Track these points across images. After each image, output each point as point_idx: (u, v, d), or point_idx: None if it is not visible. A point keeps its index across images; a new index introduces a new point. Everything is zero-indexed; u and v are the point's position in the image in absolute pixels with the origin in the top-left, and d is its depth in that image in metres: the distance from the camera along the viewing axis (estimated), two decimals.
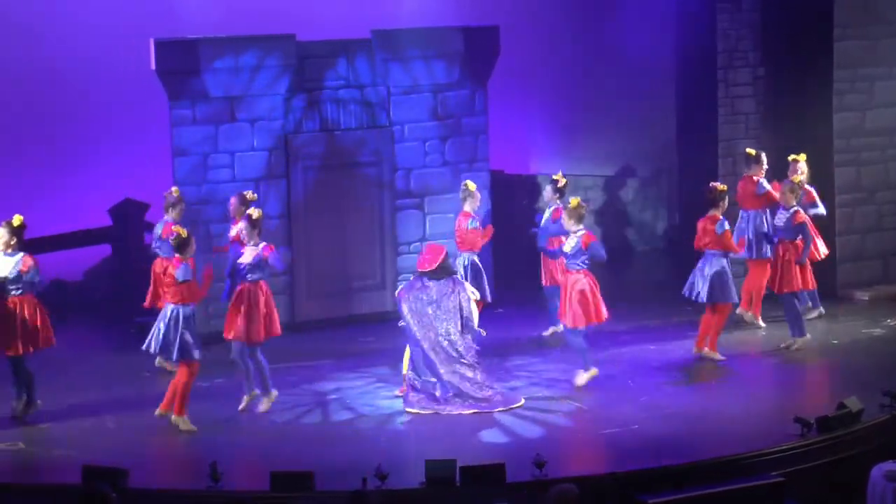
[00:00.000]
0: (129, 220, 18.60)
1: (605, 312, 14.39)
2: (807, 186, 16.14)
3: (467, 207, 15.77)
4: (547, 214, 16.11)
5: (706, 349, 15.19)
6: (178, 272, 13.31)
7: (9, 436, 13.27)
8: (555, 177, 16.20)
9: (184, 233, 13.53)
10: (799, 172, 16.07)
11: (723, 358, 15.16)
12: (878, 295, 17.68)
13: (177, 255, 13.42)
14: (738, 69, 17.95)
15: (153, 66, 16.06)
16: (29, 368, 13.66)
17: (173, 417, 13.48)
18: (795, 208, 15.36)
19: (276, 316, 13.89)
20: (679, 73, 18.79)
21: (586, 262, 14.29)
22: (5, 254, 13.52)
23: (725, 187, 15.40)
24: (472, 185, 15.89)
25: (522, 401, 13.88)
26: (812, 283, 15.59)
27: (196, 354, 13.38)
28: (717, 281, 15.02)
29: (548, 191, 16.17)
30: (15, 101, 17.55)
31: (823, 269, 17.13)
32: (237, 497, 11.42)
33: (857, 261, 17.92)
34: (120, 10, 17.49)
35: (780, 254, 15.33)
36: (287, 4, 18.03)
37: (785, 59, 17.94)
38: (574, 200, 14.66)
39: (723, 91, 17.91)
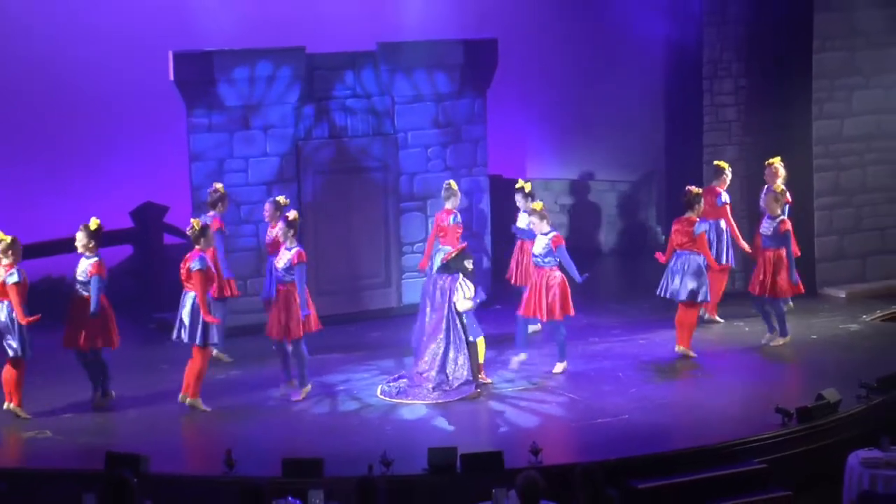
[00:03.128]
0: (150, 222, 18.64)
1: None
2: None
3: (449, 205, 16.08)
4: (525, 219, 16.09)
5: (682, 347, 15.21)
6: (193, 262, 13.42)
7: (37, 424, 13.33)
8: (520, 185, 16.25)
9: (198, 225, 13.63)
10: (779, 177, 16.08)
11: (694, 354, 15.19)
12: (856, 293, 17.72)
13: (196, 247, 13.52)
14: (722, 79, 17.95)
15: (171, 77, 16.09)
16: (104, 362, 13.74)
17: (188, 400, 13.56)
18: (781, 217, 15.33)
19: (313, 312, 14.01)
20: (667, 83, 18.85)
21: (556, 260, 14.39)
22: (84, 256, 13.60)
23: (701, 190, 15.42)
24: (454, 185, 16.16)
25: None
26: (801, 287, 15.60)
27: (215, 339, 13.50)
28: (696, 280, 15.04)
29: (519, 199, 16.21)
30: (43, 111, 17.59)
31: (804, 269, 17.18)
32: (251, 482, 11.45)
33: (835, 260, 17.96)
34: (141, 24, 17.53)
35: (768, 261, 15.29)
36: (297, 18, 18.06)
37: (767, 70, 17.97)
38: (538, 204, 14.81)
39: (708, 100, 17.91)
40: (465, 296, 13.93)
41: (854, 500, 11.54)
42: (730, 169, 16.62)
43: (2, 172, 17.49)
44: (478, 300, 14.01)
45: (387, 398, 13.98)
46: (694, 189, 15.26)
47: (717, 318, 16.54)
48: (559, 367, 14.64)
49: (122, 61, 17.53)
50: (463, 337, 13.91)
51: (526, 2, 19.66)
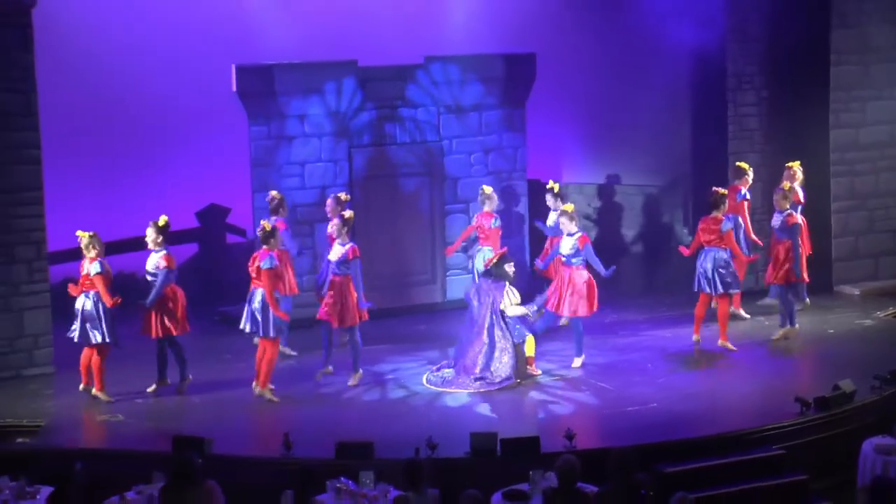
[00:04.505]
0: (213, 223, 18.76)
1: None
2: (797, 188, 16.11)
3: (487, 208, 16.03)
4: (553, 217, 16.08)
5: (720, 340, 15.10)
6: (263, 261, 13.48)
7: (110, 408, 13.45)
8: (550, 185, 16.21)
9: (268, 226, 13.72)
10: (796, 179, 16.09)
11: (734, 348, 15.10)
12: (870, 290, 17.62)
13: (264, 247, 13.59)
14: (745, 91, 17.92)
15: (234, 89, 16.20)
16: (173, 350, 13.84)
17: (258, 390, 13.60)
18: (789, 211, 15.32)
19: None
20: (694, 94, 18.78)
21: (584, 260, 14.34)
22: (153, 251, 13.70)
23: (726, 191, 15.39)
24: (488, 189, 16.16)
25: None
26: (807, 277, 15.55)
27: (272, 333, 13.53)
28: (726, 272, 14.98)
29: (549, 199, 16.18)
30: (117, 120, 17.68)
31: (821, 267, 17.12)
32: (306, 463, 11.51)
33: (851, 260, 17.87)
34: (206, 39, 17.59)
35: (780, 252, 15.27)
36: (351, 34, 18.08)
37: (787, 83, 17.91)
38: (570, 206, 14.75)
39: (732, 110, 17.89)
40: (511, 302, 13.92)
41: (868, 484, 11.48)
42: (751, 170, 16.57)
43: (79, 176, 17.58)
44: (534, 308, 13.97)
45: (432, 387, 14.00)
46: (720, 190, 15.28)
47: (743, 313, 16.41)
48: (577, 362, 14.50)
49: (188, 74, 17.59)
50: (508, 336, 13.90)
51: (561, 18, 19.60)
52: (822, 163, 17.63)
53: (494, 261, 14.22)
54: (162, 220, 13.70)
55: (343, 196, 15.38)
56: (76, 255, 13.87)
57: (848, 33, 17.56)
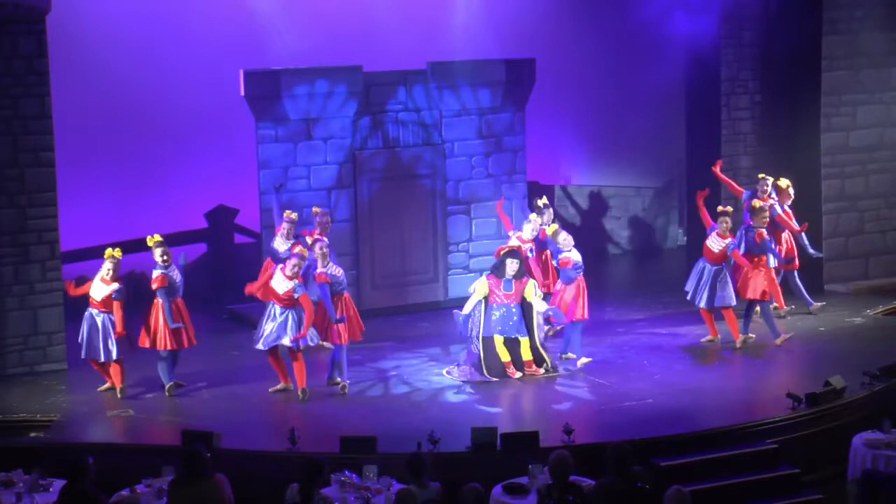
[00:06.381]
0: (221, 223, 18.74)
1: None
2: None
3: (527, 236, 15.26)
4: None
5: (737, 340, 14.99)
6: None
7: (122, 404, 13.43)
8: (542, 202, 15.85)
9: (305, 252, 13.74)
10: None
11: (753, 336, 15.03)
12: (860, 289, 17.59)
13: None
14: (738, 95, 17.91)
15: (242, 93, 16.17)
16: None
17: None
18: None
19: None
20: (689, 98, 18.77)
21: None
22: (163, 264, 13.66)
23: (722, 209, 14.99)
24: (532, 216, 15.51)
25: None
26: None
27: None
28: (723, 288, 14.89)
29: (549, 215, 15.72)
30: (132, 124, 17.68)
31: (812, 267, 17.09)
32: (312, 457, 11.47)
33: (841, 260, 17.84)
34: (215, 45, 17.59)
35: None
36: (355, 39, 18.08)
37: (780, 87, 17.89)
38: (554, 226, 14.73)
39: (725, 114, 17.88)
40: (478, 291, 13.88)
41: (858, 477, 11.48)
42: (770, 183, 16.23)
43: (91, 178, 17.58)
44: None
45: (452, 377, 13.99)
46: (719, 209, 14.98)
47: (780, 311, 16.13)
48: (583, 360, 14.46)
49: (197, 78, 17.58)
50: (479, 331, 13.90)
51: (560, 24, 19.60)
52: (813, 165, 17.60)
53: (503, 252, 14.12)
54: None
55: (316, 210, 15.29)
56: (88, 255, 13.84)
57: (839, 39, 17.53)
